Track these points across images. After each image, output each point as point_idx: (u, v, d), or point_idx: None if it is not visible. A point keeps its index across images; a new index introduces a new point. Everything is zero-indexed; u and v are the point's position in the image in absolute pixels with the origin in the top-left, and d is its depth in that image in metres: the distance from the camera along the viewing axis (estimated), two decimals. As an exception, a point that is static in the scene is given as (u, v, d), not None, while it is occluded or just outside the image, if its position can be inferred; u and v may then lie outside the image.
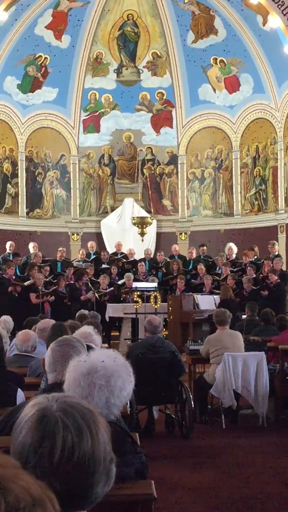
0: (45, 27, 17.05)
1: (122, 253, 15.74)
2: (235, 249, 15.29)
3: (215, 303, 11.79)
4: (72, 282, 13.71)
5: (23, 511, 0.94)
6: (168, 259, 15.33)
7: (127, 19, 17.84)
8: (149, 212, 17.65)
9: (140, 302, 12.01)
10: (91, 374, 2.34)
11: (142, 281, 14.02)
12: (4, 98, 17.01)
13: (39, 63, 17.38)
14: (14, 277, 13.28)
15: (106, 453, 1.34)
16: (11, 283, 12.97)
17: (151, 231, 16.71)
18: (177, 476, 5.44)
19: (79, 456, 1.29)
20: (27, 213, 17.56)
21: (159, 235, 17.75)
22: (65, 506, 1.23)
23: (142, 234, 15.03)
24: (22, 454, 1.31)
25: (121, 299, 13.61)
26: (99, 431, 1.34)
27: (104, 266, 14.90)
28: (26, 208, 17.51)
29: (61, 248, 15.13)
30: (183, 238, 17.93)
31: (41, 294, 12.73)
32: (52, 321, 6.75)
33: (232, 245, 15.39)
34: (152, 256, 15.73)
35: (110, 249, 16.31)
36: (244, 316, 9.97)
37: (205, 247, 15.72)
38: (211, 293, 13.21)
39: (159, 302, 11.83)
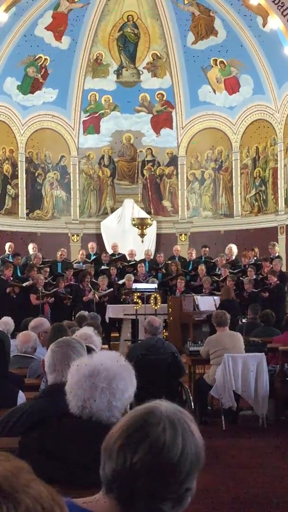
0: (45, 28, 17.05)
1: (119, 253, 15.74)
2: (235, 250, 15.26)
3: (215, 304, 11.78)
4: (72, 283, 13.72)
5: None
6: (169, 260, 15.31)
7: (127, 20, 17.84)
8: (149, 213, 17.65)
9: (140, 303, 12.00)
10: (93, 377, 2.34)
11: (142, 282, 14.02)
12: (4, 99, 17.01)
13: (39, 64, 17.38)
14: (12, 278, 13.27)
15: (188, 478, 1.35)
16: (9, 284, 12.96)
17: (151, 232, 16.71)
18: (177, 477, 5.43)
19: (163, 459, 1.30)
20: (27, 214, 17.55)
21: (159, 236, 17.75)
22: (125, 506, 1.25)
23: (142, 235, 15.03)
24: (115, 435, 1.36)
25: (121, 300, 13.61)
26: (189, 456, 1.34)
27: (103, 267, 14.89)
28: (26, 209, 17.51)
29: (61, 249, 15.13)
30: (183, 239, 17.92)
31: (41, 295, 12.73)
32: (45, 320, 6.76)
33: (232, 246, 15.37)
34: (152, 257, 15.73)
35: (110, 250, 16.31)
36: (244, 320, 9.96)
37: (207, 248, 15.68)
38: (211, 294, 13.20)
39: (159, 303, 11.82)
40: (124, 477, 1.32)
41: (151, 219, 16.08)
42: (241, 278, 13.51)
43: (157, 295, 11.99)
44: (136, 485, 1.30)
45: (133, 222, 15.29)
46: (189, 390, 6.97)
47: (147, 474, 1.30)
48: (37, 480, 1.01)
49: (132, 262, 15.27)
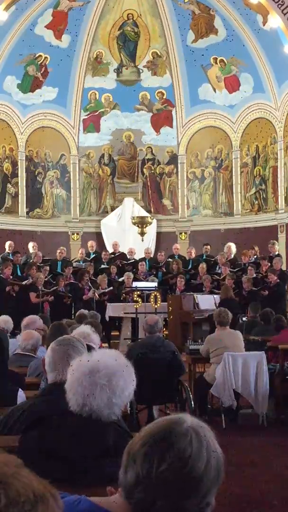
0: (45, 26, 17.05)
1: (119, 252, 15.74)
2: (234, 248, 15.27)
3: (215, 303, 11.78)
4: (72, 281, 13.71)
5: (24, 505, 0.94)
6: (169, 259, 15.30)
7: (127, 19, 17.83)
8: (149, 211, 17.64)
9: (140, 302, 12.00)
10: (93, 374, 2.34)
11: (142, 280, 14.02)
12: (4, 98, 17.01)
13: (39, 62, 17.37)
14: (11, 277, 13.26)
15: (209, 492, 1.34)
16: (8, 282, 12.96)
17: (151, 230, 16.70)
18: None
19: (189, 470, 1.29)
20: (27, 213, 17.55)
21: (159, 234, 17.74)
22: None
23: (142, 233, 15.02)
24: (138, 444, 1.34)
25: (121, 298, 13.60)
26: (212, 470, 1.34)
27: (103, 266, 14.89)
28: (26, 207, 17.51)
29: (61, 248, 15.12)
30: (183, 237, 17.92)
31: (41, 293, 12.73)
32: (37, 318, 6.75)
33: (231, 244, 15.37)
34: (152, 255, 15.72)
35: (110, 248, 16.31)
36: (244, 318, 9.95)
37: (208, 246, 15.67)
38: (211, 292, 13.20)
39: (159, 302, 11.82)
40: (148, 484, 1.30)
41: (151, 217, 16.07)
42: (239, 278, 13.50)
43: (157, 294, 11.99)
44: (160, 494, 1.29)
45: (133, 221, 15.29)
46: (189, 389, 6.96)
47: (172, 484, 1.28)
48: (27, 470, 1.02)
49: (131, 261, 15.27)
